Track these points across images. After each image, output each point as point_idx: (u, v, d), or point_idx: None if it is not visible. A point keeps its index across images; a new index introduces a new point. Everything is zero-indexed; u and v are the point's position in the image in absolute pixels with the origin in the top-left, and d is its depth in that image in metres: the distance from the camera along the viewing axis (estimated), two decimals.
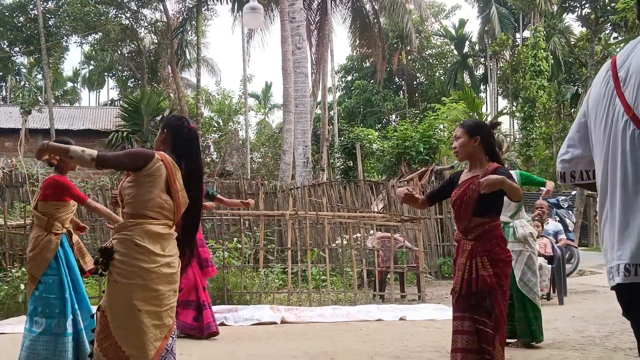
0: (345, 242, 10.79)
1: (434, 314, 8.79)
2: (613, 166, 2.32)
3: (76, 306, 5.49)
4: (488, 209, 4.26)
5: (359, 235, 10.82)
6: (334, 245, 11.22)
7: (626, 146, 2.26)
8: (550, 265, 9.69)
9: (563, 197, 16.06)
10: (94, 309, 7.33)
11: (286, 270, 10.09)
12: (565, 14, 35.46)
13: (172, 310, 3.73)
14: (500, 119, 33.19)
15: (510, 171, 5.29)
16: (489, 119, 23.96)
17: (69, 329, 5.36)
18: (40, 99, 37.66)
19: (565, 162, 2.64)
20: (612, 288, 2.38)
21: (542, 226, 10.00)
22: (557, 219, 13.88)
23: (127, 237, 3.66)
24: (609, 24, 30.22)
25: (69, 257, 5.57)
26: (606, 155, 2.36)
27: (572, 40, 37.18)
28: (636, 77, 2.24)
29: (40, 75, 41.17)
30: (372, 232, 10.98)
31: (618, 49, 28.77)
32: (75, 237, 5.80)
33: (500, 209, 4.38)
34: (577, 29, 37.63)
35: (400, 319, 8.48)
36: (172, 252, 3.75)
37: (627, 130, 2.26)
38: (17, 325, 7.40)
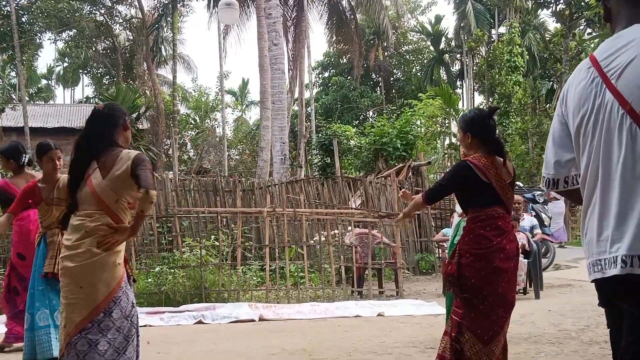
0: (323, 239, 10.78)
1: (412, 309, 8.83)
2: (607, 161, 2.32)
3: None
4: (462, 204, 4.51)
5: (336, 231, 10.83)
6: (312, 242, 11.21)
7: (622, 140, 2.26)
8: (526, 260, 9.76)
9: (539, 192, 16.17)
10: None
11: (264, 267, 10.07)
12: (540, 10, 35.84)
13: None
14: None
15: None
16: None
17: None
18: (13, 97, 37.15)
19: (559, 166, 2.61)
20: (596, 280, 2.39)
21: (518, 225, 10.09)
22: (533, 213, 13.99)
23: None
24: (583, 20, 30.55)
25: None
26: (597, 150, 2.35)
27: (547, 36, 37.50)
28: (631, 71, 2.25)
29: (14, 72, 40.59)
30: (349, 228, 10.99)
31: (592, 45, 29.14)
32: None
33: (482, 200, 4.32)
34: (552, 24, 37.98)
35: (379, 315, 8.51)
36: None
37: (624, 124, 2.26)
38: None
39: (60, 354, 3.76)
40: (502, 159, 4.41)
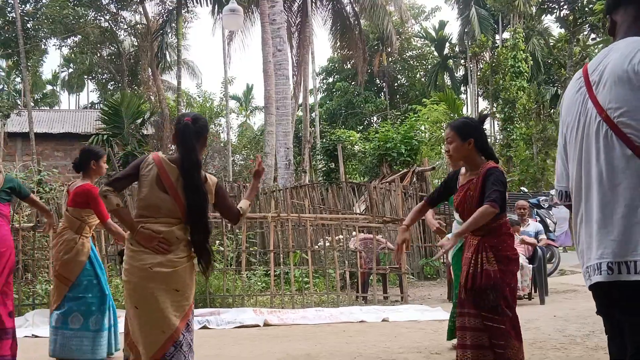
0: (327, 244, 10.79)
1: (417, 315, 8.81)
2: (587, 167, 2.36)
3: (112, 302, 5.98)
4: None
5: (341, 236, 10.82)
6: (317, 247, 11.21)
7: (600, 146, 2.31)
8: (531, 265, 9.76)
9: (544, 197, 16.17)
10: None
11: (269, 272, 10.07)
12: (544, 15, 35.88)
13: (174, 310, 3.77)
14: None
15: None
16: None
17: (106, 324, 5.86)
18: (19, 102, 37.25)
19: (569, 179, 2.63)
20: (591, 287, 2.41)
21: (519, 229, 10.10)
22: (538, 219, 13.97)
23: (127, 237, 3.86)
24: (587, 25, 30.57)
25: (97, 257, 5.97)
26: (579, 157, 2.40)
27: (551, 41, 37.52)
28: (609, 79, 2.29)
29: (19, 78, 40.77)
30: (354, 233, 10.98)
31: (596, 50, 29.12)
32: None
33: (505, 205, 4.21)
34: (556, 30, 38.07)
35: (383, 320, 8.50)
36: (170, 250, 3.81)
37: (601, 130, 2.31)
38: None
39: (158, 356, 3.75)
40: None
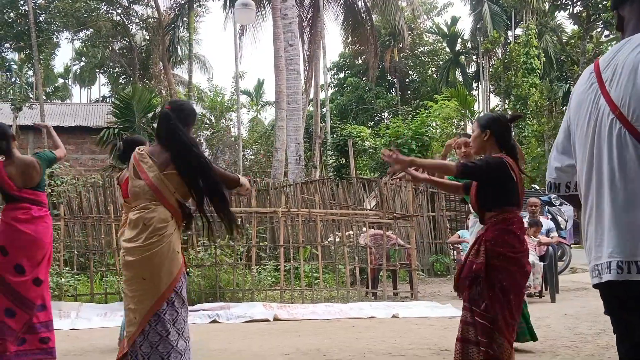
0: (337, 240, 10.77)
1: (427, 311, 8.80)
2: (599, 165, 2.33)
3: None
4: (491, 201, 4.16)
5: (351, 232, 10.81)
6: (327, 242, 11.20)
7: (612, 145, 2.28)
8: (542, 263, 9.71)
9: (555, 195, 16.07)
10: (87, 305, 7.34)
11: (279, 267, 10.08)
12: (557, 11, 35.69)
13: (142, 296, 3.76)
14: None
15: None
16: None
17: None
18: (31, 96, 37.42)
19: (560, 171, 2.63)
20: (596, 286, 2.39)
21: (539, 229, 10.07)
22: (549, 216, 13.91)
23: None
24: (600, 22, 30.39)
25: None
26: (590, 155, 2.37)
27: (564, 38, 37.32)
28: (623, 76, 2.26)
29: (31, 71, 40.96)
30: (364, 229, 10.97)
31: (610, 47, 28.97)
32: None
33: (512, 200, 4.14)
34: (569, 26, 37.84)
35: (393, 316, 8.49)
36: (127, 238, 3.85)
37: (614, 128, 2.28)
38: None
39: (126, 349, 3.80)
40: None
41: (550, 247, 10.17)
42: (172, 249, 3.81)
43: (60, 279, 9.23)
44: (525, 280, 4.19)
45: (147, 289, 3.75)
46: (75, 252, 10.15)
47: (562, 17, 37.68)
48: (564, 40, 36.49)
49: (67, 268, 9.88)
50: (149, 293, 3.75)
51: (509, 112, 32.40)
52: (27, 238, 5.28)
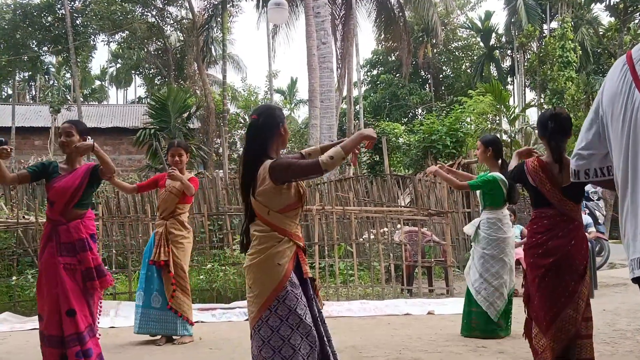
0: (372, 237, 10.78)
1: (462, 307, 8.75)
2: (634, 159, 2.30)
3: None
4: (531, 204, 4.98)
5: (386, 229, 10.81)
6: (361, 239, 11.21)
7: None
8: None
9: (592, 190, 15.85)
10: (126, 303, 7.48)
11: (313, 265, 10.11)
12: (594, 3, 35.10)
13: None
14: (527, 112, 32.90)
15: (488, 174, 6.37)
16: (517, 111, 23.67)
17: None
18: (69, 98, 38.11)
19: (580, 159, 2.63)
20: (634, 280, 2.37)
21: None
22: (587, 211, 13.71)
23: None
24: (638, 14, 29.79)
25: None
26: (626, 149, 2.34)
27: (600, 30, 36.69)
28: None
29: (69, 74, 41.61)
30: (399, 226, 10.95)
31: None
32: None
33: (532, 202, 4.83)
34: (606, 19, 37.17)
35: (428, 313, 8.47)
36: None
37: None
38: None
39: None
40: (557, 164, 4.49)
41: (588, 243, 10.04)
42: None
43: None
44: (536, 270, 4.64)
45: None
46: (114, 251, 10.32)
47: (598, 9, 37.05)
48: (601, 33, 35.87)
49: (106, 267, 10.02)
50: None
51: (545, 106, 32.03)
52: None
